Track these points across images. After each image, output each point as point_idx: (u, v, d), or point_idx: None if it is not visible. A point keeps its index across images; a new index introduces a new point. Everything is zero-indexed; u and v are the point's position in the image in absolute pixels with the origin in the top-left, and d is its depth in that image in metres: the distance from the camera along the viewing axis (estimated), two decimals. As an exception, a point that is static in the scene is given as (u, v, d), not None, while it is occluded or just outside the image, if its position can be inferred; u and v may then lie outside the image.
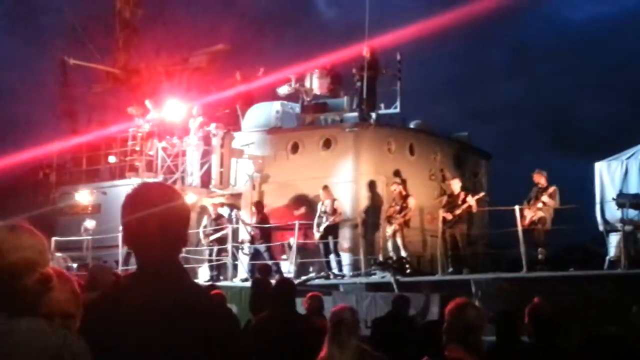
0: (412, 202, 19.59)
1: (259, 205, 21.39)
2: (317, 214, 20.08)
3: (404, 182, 20.07)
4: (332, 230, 19.91)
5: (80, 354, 2.77)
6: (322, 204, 20.09)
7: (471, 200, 18.80)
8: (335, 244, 19.89)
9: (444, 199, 19.79)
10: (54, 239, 20.32)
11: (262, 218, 21.03)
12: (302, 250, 20.58)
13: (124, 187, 24.58)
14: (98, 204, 24.75)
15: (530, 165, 18.93)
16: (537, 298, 6.20)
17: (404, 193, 19.67)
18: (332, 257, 19.91)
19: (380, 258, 19.73)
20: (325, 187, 20.19)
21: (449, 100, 53.16)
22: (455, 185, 19.35)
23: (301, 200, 21.65)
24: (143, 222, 3.09)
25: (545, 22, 63.53)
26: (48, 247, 2.92)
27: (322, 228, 19.84)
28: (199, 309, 2.99)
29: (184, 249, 3.18)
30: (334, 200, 20.04)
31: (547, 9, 64.04)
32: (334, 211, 19.90)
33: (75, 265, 20.21)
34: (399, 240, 19.41)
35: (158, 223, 3.08)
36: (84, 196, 24.86)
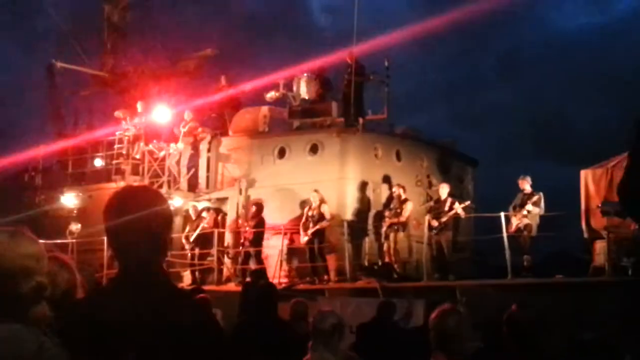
0: (408, 206, 19.62)
1: (260, 206, 21.27)
2: (304, 218, 20.04)
3: (405, 188, 20.11)
4: (319, 235, 19.88)
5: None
6: (310, 208, 20.04)
7: (458, 208, 18.85)
8: (321, 248, 19.87)
9: (431, 204, 19.85)
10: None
11: (260, 220, 20.96)
12: (288, 255, 20.56)
13: (109, 191, 24.56)
14: (83, 207, 24.66)
15: (518, 171, 19.03)
16: (514, 305, 6.19)
17: (402, 197, 19.71)
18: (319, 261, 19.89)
19: (366, 263, 19.75)
20: (316, 192, 20.15)
21: (438, 107, 53.29)
22: (443, 190, 19.40)
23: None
24: (124, 225, 3.08)
25: (535, 29, 63.80)
26: (45, 255, 2.90)
27: (309, 232, 19.78)
28: (179, 314, 2.96)
29: (168, 253, 3.16)
30: (321, 204, 20.00)
31: (537, 17, 64.29)
32: (321, 216, 19.86)
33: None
34: (385, 245, 19.47)
35: (138, 226, 3.07)
36: (69, 199, 24.76)
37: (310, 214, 19.95)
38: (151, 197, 3.17)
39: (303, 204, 20.85)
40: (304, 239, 19.88)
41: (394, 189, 20.08)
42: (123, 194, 3.20)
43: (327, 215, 19.93)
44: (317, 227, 19.73)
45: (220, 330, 3.19)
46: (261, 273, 19.30)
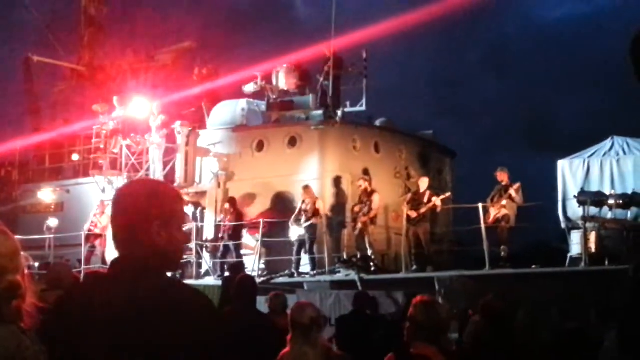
0: (376, 199, 19.60)
1: (233, 201, 21.29)
2: (297, 211, 19.99)
3: (370, 180, 20.11)
4: (310, 229, 19.80)
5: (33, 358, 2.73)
6: (304, 202, 19.97)
7: (437, 201, 18.90)
8: (312, 242, 19.83)
9: (409, 196, 19.89)
10: (15, 237, 20.04)
11: (236, 215, 20.95)
12: (267, 248, 20.53)
13: (87, 185, 24.45)
14: (61, 202, 24.56)
15: (503, 163, 19.14)
16: (489, 294, 6.26)
17: (369, 190, 19.70)
18: (302, 255, 19.84)
19: (345, 256, 19.76)
20: (306, 187, 20.04)
21: (422, 99, 53.24)
22: (423, 183, 19.45)
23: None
24: (112, 219, 3.11)
25: (520, 20, 63.97)
26: (20, 253, 2.86)
27: (303, 226, 19.70)
28: (170, 305, 2.89)
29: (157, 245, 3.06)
30: (315, 200, 19.95)
31: (522, 8, 64.52)
32: (315, 211, 19.81)
33: (37, 264, 20.01)
34: (365, 238, 19.47)
35: (119, 219, 3.07)
36: (46, 194, 24.63)
37: (304, 207, 19.85)
38: (137, 190, 3.16)
39: (280, 196, 20.82)
40: (295, 232, 19.81)
41: (359, 182, 19.99)
42: (122, 188, 3.26)
43: (321, 212, 19.85)
44: (313, 222, 19.63)
45: (215, 323, 3.12)
46: (240, 266, 19.28)
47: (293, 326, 6.10)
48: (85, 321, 2.89)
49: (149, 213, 3.03)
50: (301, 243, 19.78)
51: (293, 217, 19.89)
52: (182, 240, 3.18)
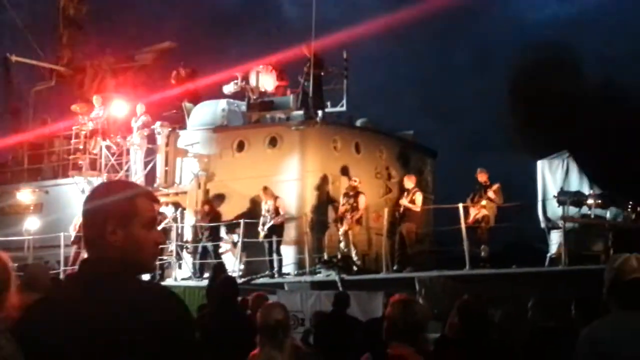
0: (362, 200, 19.66)
1: (210, 203, 21.24)
2: (262, 213, 20.02)
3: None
4: (276, 230, 19.85)
5: (10, 358, 2.68)
6: (265, 203, 20.01)
7: (403, 201, 19.07)
8: (279, 242, 19.82)
9: (390, 196, 19.99)
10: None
11: (214, 215, 20.88)
12: (247, 248, 20.47)
13: (66, 186, 24.30)
14: (40, 203, 24.40)
15: (484, 163, 19.21)
16: (466, 295, 6.24)
17: (359, 189, 19.74)
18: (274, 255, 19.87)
19: (326, 256, 19.76)
20: (265, 188, 20.13)
21: (404, 99, 53.25)
22: (408, 183, 19.63)
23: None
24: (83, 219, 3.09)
25: (504, 21, 64.10)
26: None
27: (266, 227, 19.77)
28: (144, 308, 2.84)
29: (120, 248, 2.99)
30: (275, 199, 19.97)
31: (506, 9, 64.64)
32: (277, 210, 19.83)
33: (15, 265, 19.82)
34: (350, 238, 19.52)
35: (87, 221, 3.04)
36: (25, 195, 24.46)
37: (265, 209, 19.90)
38: (103, 191, 3.11)
39: (259, 197, 20.78)
40: (261, 233, 19.82)
41: (354, 179, 20.06)
42: (92, 189, 3.22)
43: (282, 210, 19.89)
44: (274, 222, 19.69)
45: (188, 324, 3.06)
46: (222, 267, 19.24)
47: (260, 328, 6.06)
48: (55, 322, 2.86)
49: (103, 211, 2.98)
50: (269, 244, 19.78)
51: (261, 219, 19.90)
52: (149, 239, 3.03)
